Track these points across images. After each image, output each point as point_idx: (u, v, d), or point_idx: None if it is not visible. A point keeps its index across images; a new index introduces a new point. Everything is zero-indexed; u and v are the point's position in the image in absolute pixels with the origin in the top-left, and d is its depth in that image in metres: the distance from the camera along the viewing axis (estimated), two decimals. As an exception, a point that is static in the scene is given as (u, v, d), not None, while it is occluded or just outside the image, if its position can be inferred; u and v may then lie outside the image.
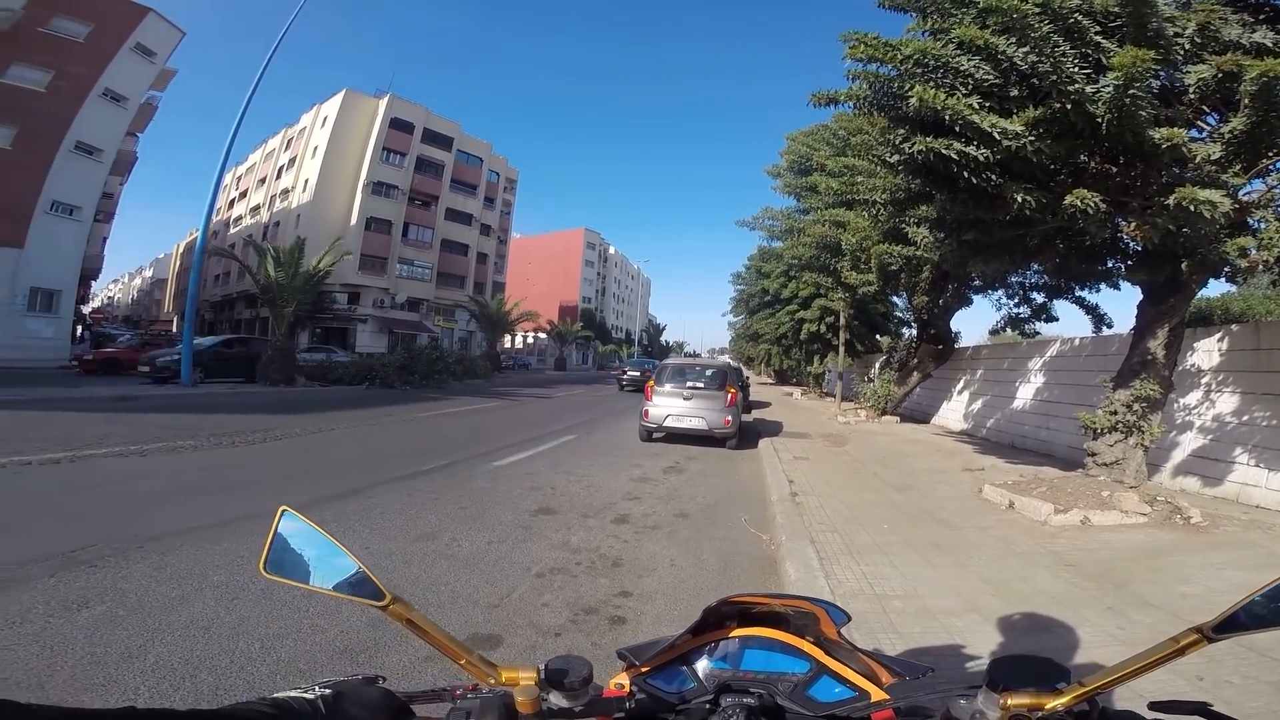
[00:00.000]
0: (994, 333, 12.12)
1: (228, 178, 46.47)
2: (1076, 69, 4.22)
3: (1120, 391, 6.03)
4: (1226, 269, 5.50)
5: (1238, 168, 4.48)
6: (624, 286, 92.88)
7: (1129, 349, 6.33)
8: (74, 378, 18.00)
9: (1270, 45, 4.31)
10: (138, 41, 27.93)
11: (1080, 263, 6.57)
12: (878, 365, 19.89)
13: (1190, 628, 0.59)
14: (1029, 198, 4.69)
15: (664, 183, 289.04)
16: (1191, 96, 4.53)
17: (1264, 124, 4.07)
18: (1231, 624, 0.58)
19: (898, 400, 15.65)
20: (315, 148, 43.15)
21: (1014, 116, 4.42)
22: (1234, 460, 6.57)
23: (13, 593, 3.03)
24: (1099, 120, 4.26)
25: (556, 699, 0.70)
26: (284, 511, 0.78)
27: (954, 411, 14.54)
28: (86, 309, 42.89)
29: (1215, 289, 13.53)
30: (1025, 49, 4.26)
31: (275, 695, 0.61)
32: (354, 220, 41.10)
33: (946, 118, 4.42)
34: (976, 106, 4.41)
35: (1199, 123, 4.98)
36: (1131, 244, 5.96)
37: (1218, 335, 7.10)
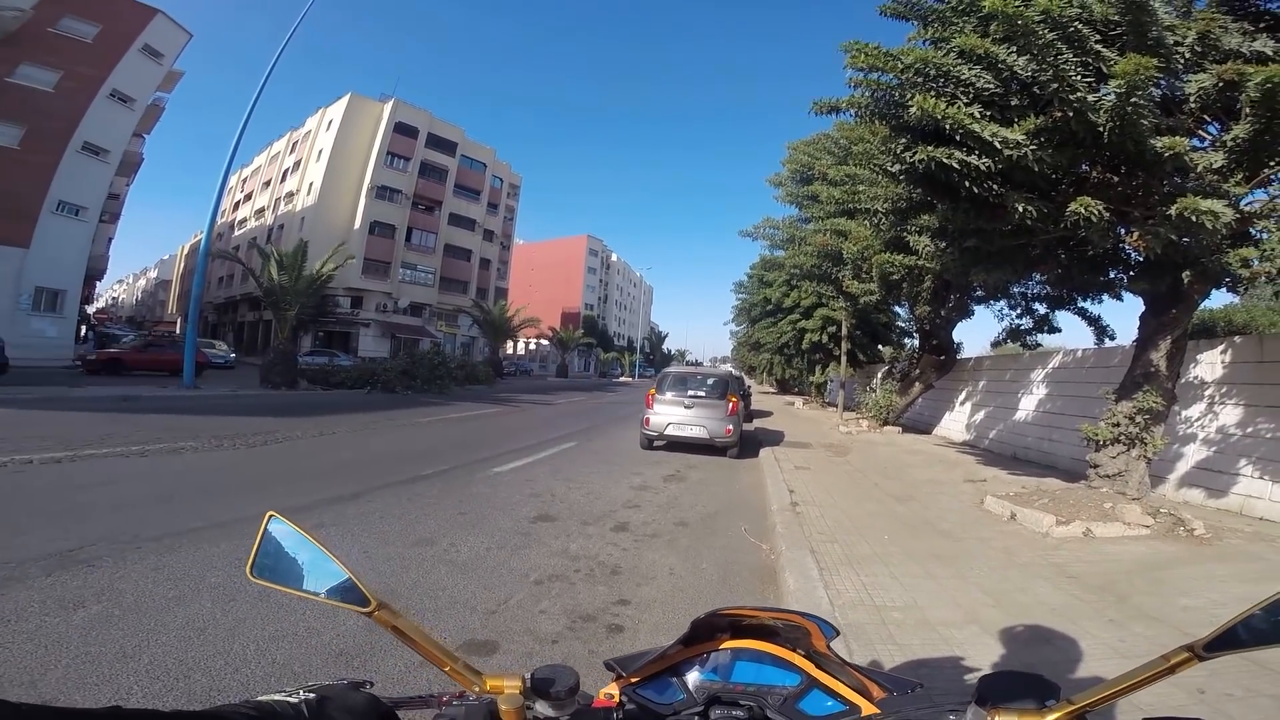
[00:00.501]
0: (996, 344, 12.11)
1: (233, 180, 46.88)
2: (1078, 77, 4.23)
3: (1123, 403, 6.01)
4: (1229, 280, 5.50)
5: (1239, 177, 4.49)
6: (626, 294, 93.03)
7: (1131, 360, 6.31)
8: (77, 377, 18.04)
9: (1271, 54, 4.33)
10: (145, 43, 28.09)
11: (1082, 273, 6.57)
12: (880, 375, 19.85)
13: (1181, 645, 0.58)
14: (1030, 207, 4.69)
15: (667, 189, 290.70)
16: (1193, 105, 4.54)
17: (1266, 132, 4.08)
18: (1228, 640, 0.56)
19: (900, 411, 15.61)
20: (320, 151, 43.46)
21: (1015, 125, 4.43)
22: (1238, 472, 6.53)
23: (9, 591, 3.03)
24: (1100, 129, 4.26)
25: (542, 708, 0.70)
26: (271, 516, 0.78)
27: (956, 422, 14.50)
28: (91, 309, 43.02)
29: (1218, 300, 13.52)
30: (1026, 58, 4.27)
31: (259, 699, 0.61)
32: (358, 224, 41.30)
33: (947, 127, 4.43)
34: (978, 116, 4.42)
35: (1200, 131, 4.98)
36: (1134, 254, 5.97)
37: (1221, 347, 7.07)
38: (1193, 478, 7.10)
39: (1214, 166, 4.37)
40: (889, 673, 0.83)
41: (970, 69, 4.53)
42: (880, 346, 22.90)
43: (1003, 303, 10.41)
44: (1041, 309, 9.79)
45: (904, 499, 6.80)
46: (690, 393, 10.18)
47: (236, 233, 51.22)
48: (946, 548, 4.82)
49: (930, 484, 7.90)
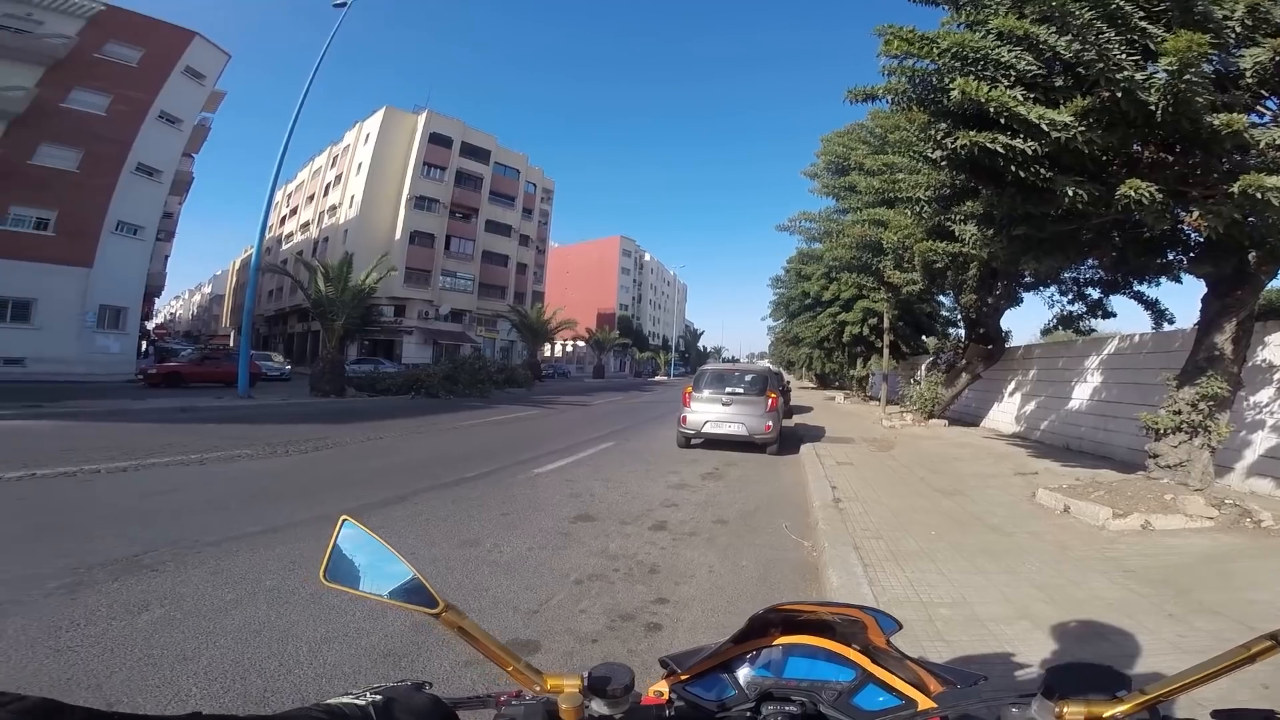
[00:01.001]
0: (1046, 332, 11.65)
1: (278, 196, 48.70)
2: (1124, 56, 4.05)
3: (1185, 389, 5.73)
4: (1299, 258, 5.17)
5: (1304, 152, 4.22)
6: (660, 293, 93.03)
7: (1193, 345, 6.01)
8: (140, 391, 19.06)
9: None
10: (187, 65, 28.98)
11: (1138, 256, 6.28)
12: (924, 367, 19.36)
13: (1264, 634, 0.57)
14: (1081, 191, 4.50)
15: (698, 186, 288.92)
16: (1249, 81, 4.29)
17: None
18: None
19: (945, 403, 15.20)
20: (359, 164, 44.80)
21: (1062, 107, 4.26)
22: (1314, 461, 6.15)
23: (80, 595, 3.19)
24: (1152, 108, 4.07)
25: (598, 706, 0.70)
26: (344, 520, 0.80)
27: (1005, 414, 14.04)
28: (150, 325, 45.31)
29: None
30: (1068, 37, 4.11)
31: (328, 701, 0.63)
32: (398, 234, 42.43)
33: (991, 110, 4.30)
34: (1021, 98, 4.27)
35: (1259, 107, 4.71)
36: (1193, 235, 5.67)
37: (1291, 329, 6.67)
38: (1261, 467, 6.71)
39: (1276, 143, 4.13)
40: (952, 666, 0.80)
41: (1010, 51, 4.39)
42: (924, 337, 22.32)
43: (1053, 288, 10.01)
44: (1095, 294, 9.37)
45: (951, 493, 6.63)
46: (728, 390, 10.13)
47: (284, 246, 53.23)
48: (996, 542, 4.70)
49: (978, 478, 7.69)
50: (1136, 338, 9.55)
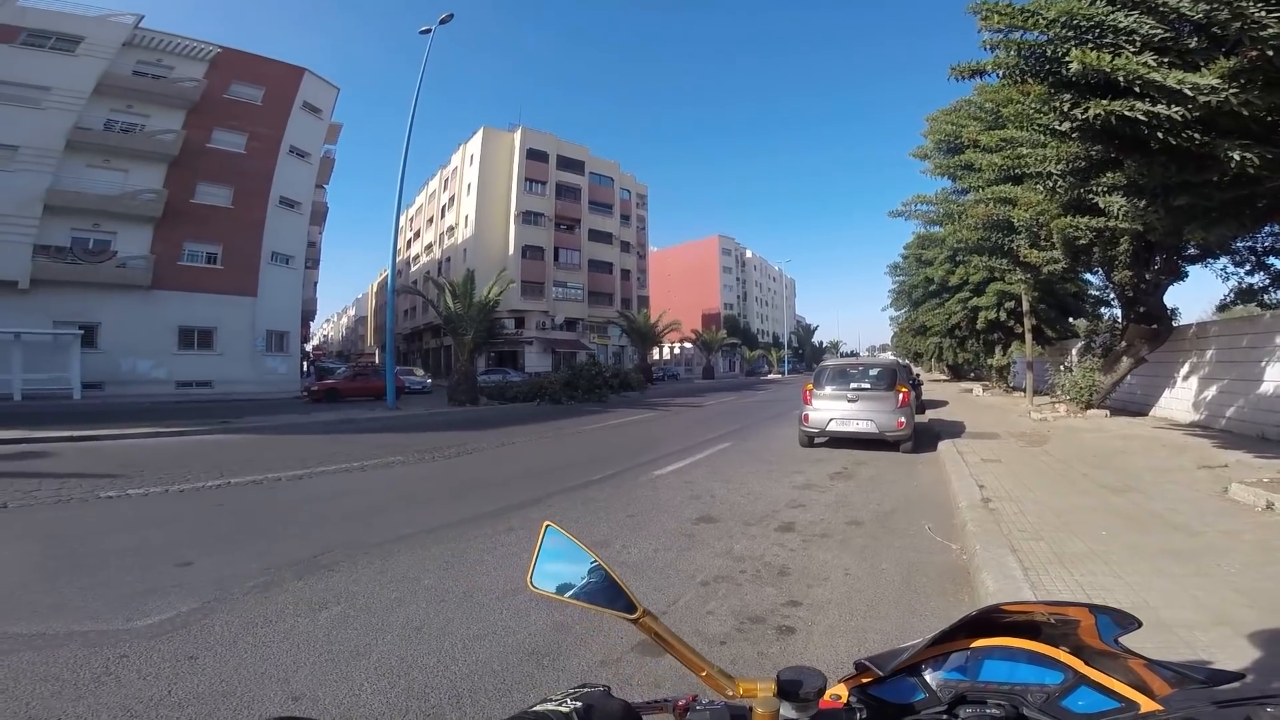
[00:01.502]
0: (1222, 308, 10.18)
1: (401, 221, 53.31)
2: (1262, 12, 3.53)
3: None
4: None
5: None
6: (765, 289, 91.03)
7: None
8: (304, 406, 21.53)
9: None
10: (304, 100, 31.54)
11: (1334, 217, 5.39)
12: (1075, 352, 17.52)
13: None
14: (1249, 155, 3.97)
15: (797, 174, 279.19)
16: None
17: None
18: None
19: (1105, 391, 13.64)
20: (469, 185, 47.74)
21: (1204, 70, 3.78)
22: None
23: (270, 594, 3.55)
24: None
25: (786, 710, 0.70)
26: (547, 527, 0.82)
27: (1179, 401, 12.37)
28: (308, 346, 51.10)
29: None
30: None
31: (534, 709, 0.65)
32: (511, 250, 44.86)
33: (1121, 79, 3.92)
34: (1153, 64, 3.86)
35: None
36: None
37: None
38: None
39: None
40: (1192, 664, 0.75)
41: (1127, 15, 3.97)
42: (1071, 320, 20.23)
43: (1224, 260, 8.75)
44: (1278, 263, 8.10)
45: (1122, 490, 6.00)
46: (853, 385, 9.80)
47: (413, 268, 58.08)
48: (1182, 542, 4.21)
49: (1153, 472, 6.89)
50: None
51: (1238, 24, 3.63)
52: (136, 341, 25.01)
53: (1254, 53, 3.73)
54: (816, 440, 10.01)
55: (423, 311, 46.80)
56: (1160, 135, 4.14)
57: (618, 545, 4.65)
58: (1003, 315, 19.58)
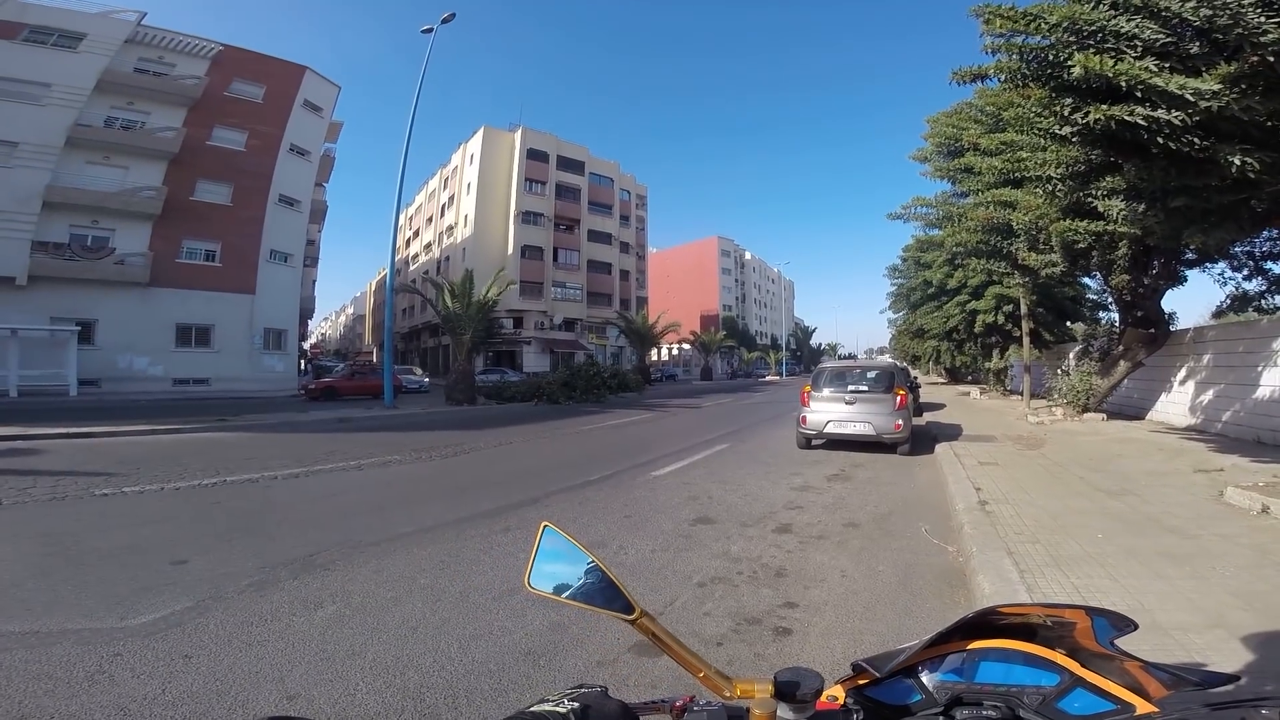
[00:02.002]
0: (1219, 314, 10.22)
1: (401, 219, 53.27)
2: (1262, 18, 3.55)
3: None
4: None
5: None
6: (764, 291, 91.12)
7: None
8: (302, 404, 21.45)
9: None
10: (305, 98, 31.55)
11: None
12: (1072, 356, 17.57)
13: None
14: (1250, 159, 3.99)
15: (794, 175, 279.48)
16: None
17: None
18: None
19: (1102, 395, 13.69)
20: (468, 185, 47.74)
21: (1205, 74, 3.79)
22: None
23: (267, 593, 3.53)
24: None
25: (784, 711, 0.70)
26: (545, 527, 0.82)
27: (1175, 405, 12.41)
28: (306, 345, 50.96)
29: None
30: (1193, 3, 3.67)
31: (531, 709, 0.65)
32: (510, 249, 44.85)
33: (1122, 84, 3.93)
34: (1155, 69, 3.87)
35: None
36: None
37: None
38: None
39: None
40: (1187, 665, 0.75)
41: (1129, 20, 3.98)
42: (1069, 323, 20.26)
43: (1222, 264, 8.78)
44: (1276, 268, 8.13)
45: (1118, 494, 6.01)
46: (851, 388, 9.80)
47: (411, 267, 57.99)
48: (1178, 546, 4.22)
49: (1149, 476, 6.90)
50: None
51: (1239, 29, 3.64)
52: (134, 338, 25.00)
53: (1255, 58, 3.75)
54: (814, 442, 10.02)
55: (421, 310, 46.83)
56: (1160, 140, 4.15)
57: (615, 546, 4.64)
58: (1001, 319, 19.61)
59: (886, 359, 18.36)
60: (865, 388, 9.75)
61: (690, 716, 0.71)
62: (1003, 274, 15.37)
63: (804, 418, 9.93)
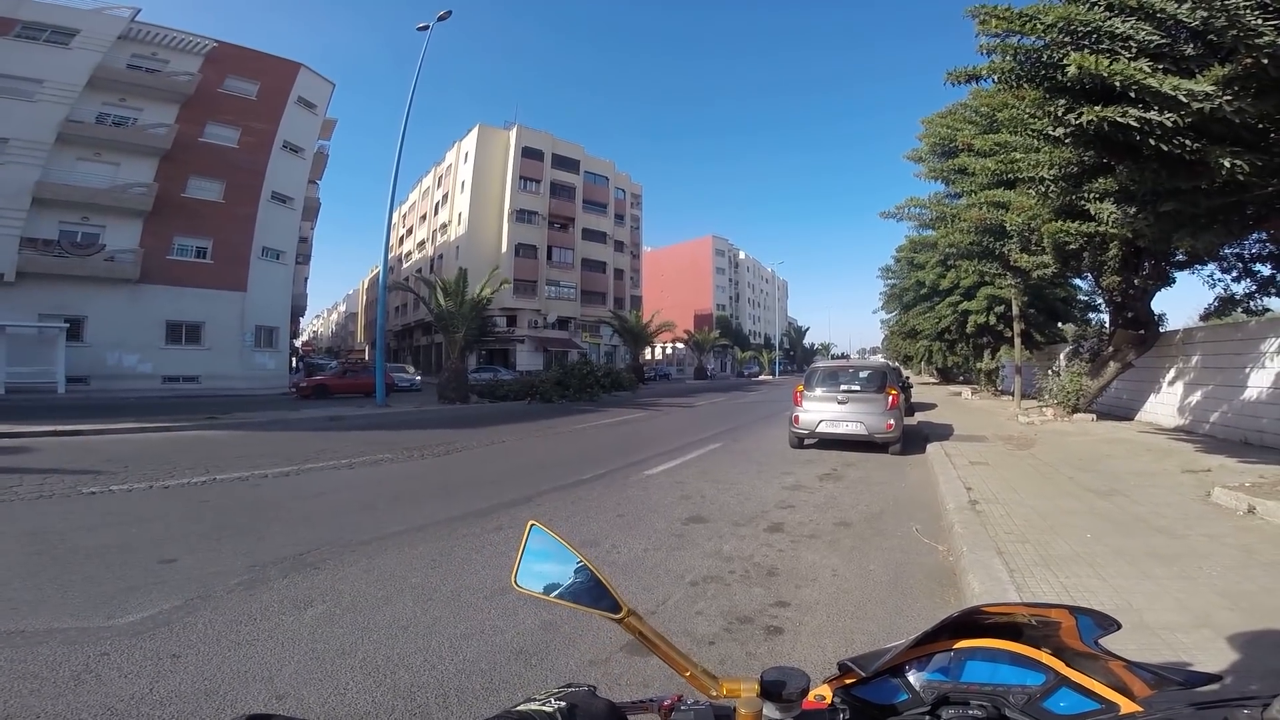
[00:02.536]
0: (1207, 316, 10.32)
1: (395, 217, 53.08)
2: (1258, 21, 3.58)
3: None
4: None
5: None
6: (758, 291, 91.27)
7: None
8: (293, 402, 21.36)
9: None
10: (299, 95, 31.24)
11: (1323, 224, 5.47)
12: (1063, 357, 17.67)
13: None
14: (1240, 162, 4.02)
15: (789, 175, 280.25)
16: None
17: None
18: None
19: (1092, 395, 13.80)
20: (463, 182, 47.58)
21: (1199, 76, 3.82)
22: None
23: (256, 592, 3.51)
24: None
25: (770, 711, 0.70)
26: (532, 526, 0.82)
27: (1164, 406, 12.53)
28: (297, 342, 50.62)
29: None
30: (1189, 4, 3.70)
31: (518, 708, 0.65)
32: (504, 248, 44.74)
33: (1117, 84, 3.96)
34: (1149, 70, 3.90)
35: None
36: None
37: None
38: None
39: None
40: (1172, 665, 0.76)
41: (1124, 22, 4.01)
42: (1060, 324, 20.41)
43: (1211, 266, 8.87)
44: (1265, 270, 8.21)
45: (1107, 494, 6.06)
46: (843, 387, 9.85)
47: (405, 265, 57.73)
48: (1166, 546, 4.26)
49: (1138, 476, 6.96)
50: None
51: (1234, 31, 3.67)
52: (123, 335, 24.75)
53: (1249, 60, 3.78)
54: (806, 441, 10.05)
55: (414, 308, 46.55)
56: (1152, 141, 4.18)
57: (607, 545, 4.64)
58: (992, 319, 19.74)
59: (879, 359, 18.45)
60: (858, 387, 9.79)
61: (677, 716, 0.71)
62: (995, 275, 15.46)
63: (796, 417, 9.96)
